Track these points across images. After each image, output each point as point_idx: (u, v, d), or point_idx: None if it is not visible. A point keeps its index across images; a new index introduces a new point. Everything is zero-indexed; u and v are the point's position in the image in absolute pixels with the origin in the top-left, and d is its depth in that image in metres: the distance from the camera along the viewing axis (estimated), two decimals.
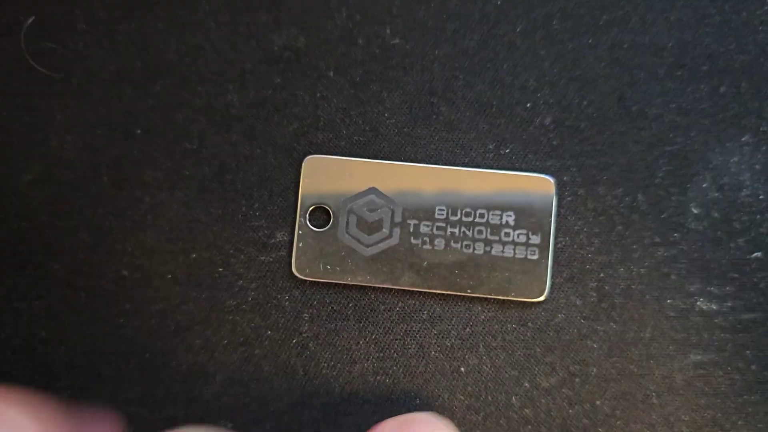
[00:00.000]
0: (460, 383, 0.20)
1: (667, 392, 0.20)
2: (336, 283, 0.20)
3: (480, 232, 0.20)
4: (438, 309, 0.20)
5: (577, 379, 0.20)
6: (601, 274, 0.20)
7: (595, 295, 0.20)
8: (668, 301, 0.20)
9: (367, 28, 0.20)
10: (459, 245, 0.20)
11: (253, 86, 0.20)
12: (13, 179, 0.20)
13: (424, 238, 0.20)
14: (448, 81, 0.20)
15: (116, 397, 0.20)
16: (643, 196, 0.20)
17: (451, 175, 0.20)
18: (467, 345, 0.20)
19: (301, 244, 0.20)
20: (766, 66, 0.20)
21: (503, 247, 0.19)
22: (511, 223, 0.20)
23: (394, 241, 0.20)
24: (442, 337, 0.20)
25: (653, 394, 0.20)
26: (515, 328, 0.20)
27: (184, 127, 0.20)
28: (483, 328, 0.20)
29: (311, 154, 0.20)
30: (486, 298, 0.20)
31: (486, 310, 0.20)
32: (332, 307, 0.20)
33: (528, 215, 0.20)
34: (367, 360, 0.20)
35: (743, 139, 0.20)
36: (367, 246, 0.20)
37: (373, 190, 0.20)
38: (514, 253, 0.19)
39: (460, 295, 0.20)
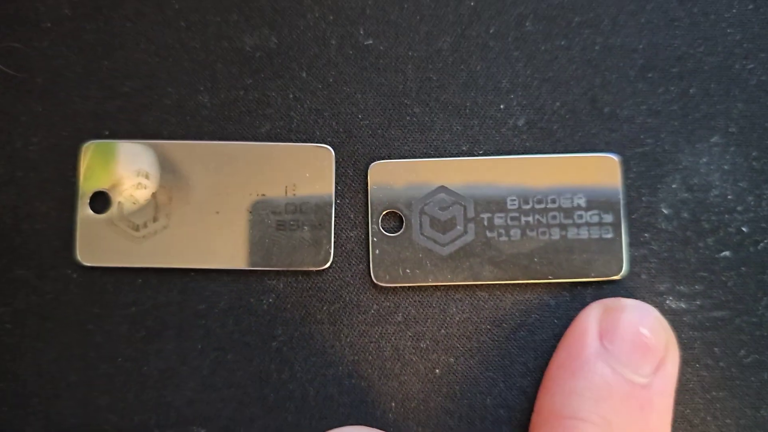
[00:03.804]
0: (434, 385, 0.20)
1: None
2: (308, 287, 0.20)
3: (554, 217, 0.20)
4: (413, 311, 0.20)
5: None
6: None
7: (567, 294, 0.20)
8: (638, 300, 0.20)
9: (340, 28, 0.20)
10: (535, 233, 0.20)
11: (224, 87, 0.20)
12: None
13: (500, 230, 0.20)
14: (421, 82, 0.20)
15: (86, 403, 0.20)
16: None
17: (518, 165, 0.20)
18: (442, 347, 0.20)
19: (377, 251, 0.19)
20: (734, 68, 0.21)
21: (578, 230, 0.20)
22: (583, 204, 0.20)
23: (470, 237, 0.20)
24: (417, 339, 0.20)
25: None
26: (489, 329, 0.20)
27: (153, 129, 0.20)
28: (457, 330, 0.20)
29: None
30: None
31: (461, 312, 0.20)
32: (306, 311, 0.20)
33: (598, 195, 0.20)
34: (342, 363, 0.20)
35: (712, 140, 0.20)
36: (444, 245, 0.20)
37: (442, 189, 0.20)
38: (589, 234, 0.20)
39: (437, 294, 0.20)
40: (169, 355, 0.20)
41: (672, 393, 0.17)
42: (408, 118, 0.20)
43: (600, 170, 0.20)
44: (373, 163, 0.20)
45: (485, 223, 0.20)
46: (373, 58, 0.20)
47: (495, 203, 0.20)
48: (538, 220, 0.20)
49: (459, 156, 0.20)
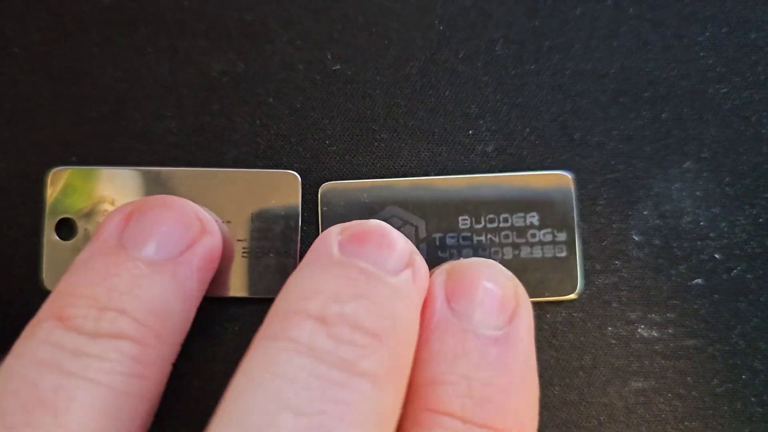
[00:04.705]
0: None
1: (608, 420, 0.20)
2: None
3: (506, 236, 0.19)
4: None
5: None
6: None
7: (535, 323, 0.20)
8: (609, 328, 0.20)
9: (307, 53, 0.20)
10: (487, 253, 0.19)
11: (191, 113, 0.20)
12: None
13: (452, 251, 0.19)
14: (389, 108, 0.20)
15: None
16: (585, 224, 0.20)
17: (470, 183, 0.19)
18: None
19: None
20: (707, 92, 0.20)
21: (531, 249, 0.19)
22: (536, 223, 0.19)
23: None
24: None
25: (595, 421, 0.20)
26: None
27: (121, 155, 0.20)
28: None
29: None
30: None
31: None
32: None
33: (551, 213, 0.19)
34: None
35: (685, 165, 0.20)
36: None
37: (394, 209, 0.19)
38: (543, 253, 0.19)
39: None
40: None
41: (531, 339, 0.17)
42: (376, 143, 0.20)
43: (553, 188, 0.20)
44: (323, 185, 0.20)
45: (437, 243, 0.19)
46: (340, 84, 0.20)
47: (447, 223, 0.19)
48: (490, 239, 0.19)
49: None
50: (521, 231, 0.19)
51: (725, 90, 0.20)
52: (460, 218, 0.19)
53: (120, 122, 0.20)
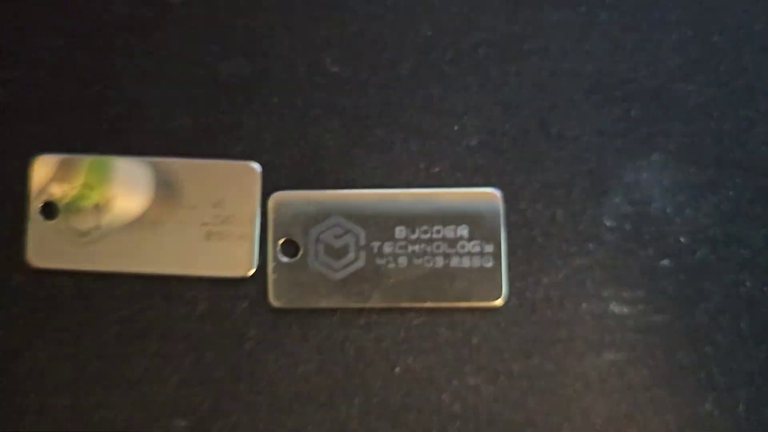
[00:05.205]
0: (395, 382, 0.21)
1: (583, 388, 0.21)
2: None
3: (438, 246, 0.21)
4: (375, 316, 0.22)
5: (501, 377, 0.21)
6: (522, 282, 0.22)
7: (516, 300, 0.22)
8: (584, 305, 0.22)
9: (308, 57, 0.22)
10: (421, 261, 0.21)
11: (203, 111, 0.22)
12: None
13: (388, 258, 0.21)
14: (383, 105, 0.22)
15: (78, 400, 0.21)
16: (561, 211, 0.22)
17: (407, 197, 0.21)
18: (402, 348, 0.22)
19: (276, 276, 0.21)
20: (674, 90, 0.22)
21: (460, 259, 0.21)
22: (466, 235, 0.21)
23: (360, 263, 0.21)
24: (379, 341, 0.22)
25: (571, 389, 0.21)
26: (445, 332, 0.22)
27: (137, 149, 0.22)
28: (416, 333, 0.22)
29: None
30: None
31: (418, 316, 0.22)
32: (277, 315, 0.22)
33: (480, 227, 0.21)
34: (310, 362, 0.21)
35: (653, 157, 0.22)
36: (336, 271, 0.21)
37: (337, 219, 0.21)
38: (471, 263, 0.21)
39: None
40: (153, 356, 0.22)
41: None
42: (370, 138, 0.22)
43: (483, 204, 0.21)
44: (274, 194, 0.22)
45: (375, 250, 0.21)
46: (338, 84, 0.22)
47: (385, 232, 0.21)
48: (423, 249, 0.21)
49: (416, 174, 0.22)
50: (452, 242, 0.21)
51: (690, 88, 0.22)
52: (397, 228, 0.21)
53: (137, 120, 0.22)
